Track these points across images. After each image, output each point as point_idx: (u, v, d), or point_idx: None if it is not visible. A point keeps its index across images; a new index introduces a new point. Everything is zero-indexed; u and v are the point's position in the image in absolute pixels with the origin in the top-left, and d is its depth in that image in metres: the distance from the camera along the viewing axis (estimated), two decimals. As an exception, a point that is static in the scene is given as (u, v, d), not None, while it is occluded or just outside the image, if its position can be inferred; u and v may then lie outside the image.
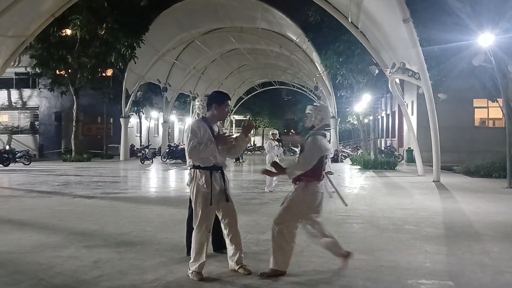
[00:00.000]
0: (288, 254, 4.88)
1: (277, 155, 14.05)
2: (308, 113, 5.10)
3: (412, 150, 23.78)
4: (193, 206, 4.91)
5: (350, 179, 17.58)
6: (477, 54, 16.57)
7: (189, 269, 4.84)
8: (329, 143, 13.22)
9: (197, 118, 5.36)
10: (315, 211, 4.96)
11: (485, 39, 15.60)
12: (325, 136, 5.09)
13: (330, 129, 32.19)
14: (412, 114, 27.47)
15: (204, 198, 4.78)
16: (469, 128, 26.37)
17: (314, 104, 5.57)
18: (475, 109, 27.21)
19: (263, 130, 69.59)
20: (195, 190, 4.82)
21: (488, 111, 27.47)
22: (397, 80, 19.75)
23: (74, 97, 29.59)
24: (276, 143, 14.21)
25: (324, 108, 5.28)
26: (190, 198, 5.06)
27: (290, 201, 4.94)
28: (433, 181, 15.59)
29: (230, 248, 5.01)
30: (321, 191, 4.98)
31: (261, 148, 59.39)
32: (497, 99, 20.58)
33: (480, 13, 16.98)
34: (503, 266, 5.28)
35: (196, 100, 5.82)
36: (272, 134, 14.36)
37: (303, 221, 5.01)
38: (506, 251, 5.88)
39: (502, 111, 18.69)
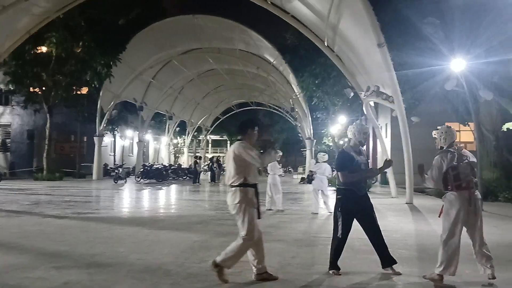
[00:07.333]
0: (452, 260, 5.40)
1: (280, 175, 14.04)
2: (434, 136, 5.82)
3: (386, 172, 24.04)
4: (241, 220, 5.37)
5: (325, 200, 17.59)
6: (449, 79, 16.96)
7: (221, 263, 5.31)
8: (313, 163, 13.24)
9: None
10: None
11: (457, 64, 16.00)
12: (450, 152, 5.56)
13: (305, 150, 32.36)
14: (386, 137, 27.85)
15: (253, 213, 5.41)
16: (442, 151, 26.77)
17: (438, 128, 5.98)
18: (447, 133, 27.67)
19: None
20: (245, 206, 5.36)
21: (460, 135, 28.01)
22: (372, 103, 20.04)
23: (48, 115, 29.11)
24: (280, 164, 14.20)
25: (444, 129, 5.79)
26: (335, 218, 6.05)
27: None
28: (406, 203, 15.75)
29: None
30: (466, 198, 5.44)
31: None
32: (469, 123, 21.03)
33: (452, 38, 17.46)
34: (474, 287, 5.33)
35: (350, 127, 6.37)
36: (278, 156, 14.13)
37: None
38: (477, 273, 5.93)
39: (474, 135, 19.10)
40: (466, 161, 5.56)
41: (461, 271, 5.55)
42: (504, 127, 16.53)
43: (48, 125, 29.29)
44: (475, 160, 5.67)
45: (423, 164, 5.86)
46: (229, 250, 5.36)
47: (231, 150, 5.57)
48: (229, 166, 5.51)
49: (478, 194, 5.54)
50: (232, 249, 5.36)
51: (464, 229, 5.55)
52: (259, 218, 5.50)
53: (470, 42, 16.78)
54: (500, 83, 17.38)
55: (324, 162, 13.33)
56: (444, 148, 5.68)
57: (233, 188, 5.43)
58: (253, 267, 5.49)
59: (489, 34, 16.43)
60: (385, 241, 6.12)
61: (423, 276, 5.65)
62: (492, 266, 5.40)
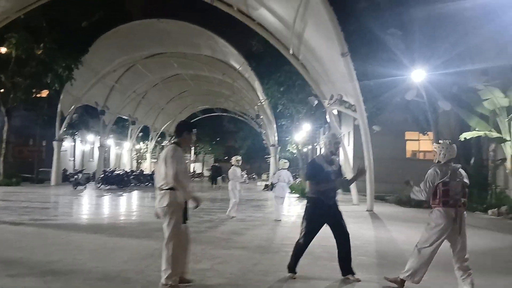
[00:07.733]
0: (420, 269, 5.54)
1: (242, 182, 13.96)
2: (434, 150, 5.84)
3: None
4: (167, 223, 5.35)
5: (288, 207, 17.71)
6: (410, 89, 17.43)
7: (166, 282, 5.20)
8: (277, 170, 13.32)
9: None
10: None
11: (417, 75, 16.46)
12: (444, 168, 5.56)
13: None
14: (349, 145, 28.26)
15: (179, 217, 5.37)
16: (401, 159, 27.38)
17: (440, 141, 5.95)
18: (407, 142, 28.41)
19: (203, 157, 69.21)
20: (173, 210, 5.31)
21: (419, 144, 28.78)
22: (335, 112, 20.31)
23: (6, 117, 28.20)
24: (245, 171, 14.17)
25: (445, 145, 5.74)
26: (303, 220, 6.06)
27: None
28: (367, 210, 15.99)
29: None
30: (452, 216, 5.45)
31: (200, 175, 58.79)
32: (428, 132, 21.61)
33: (413, 49, 17.96)
34: (431, 294, 5.43)
35: (323, 137, 6.39)
36: (236, 160, 13.75)
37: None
38: (435, 279, 6.06)
39: (432, 144, 19.63)
40: (459, 180, 5.57)
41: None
42: (462, 137, 17.03)
43: (5, 128, 28.32)
44: (468, 181, 5.67)
45: (409, 180, 5.90)
46: (165, 266, 5.27)
47: (164, 152, 5.53)
48: (161, 169, 5.43)
49: (465, 213, 5.56)
50: (165, 263, 5.27)
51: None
52: (184, 222, 5.46)
53: (430, 53, 17.30)
54: (458, 94, 17.93)
55: (284, 169, 13.39)
56: (442, 163, 5.67)
57: (162, 191, 5.39)
58: (162, 273, 5.33)
59: (448, 46, 16.98)
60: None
61: (385, 277, 5.78)
62: (472, 282, 5.37)
